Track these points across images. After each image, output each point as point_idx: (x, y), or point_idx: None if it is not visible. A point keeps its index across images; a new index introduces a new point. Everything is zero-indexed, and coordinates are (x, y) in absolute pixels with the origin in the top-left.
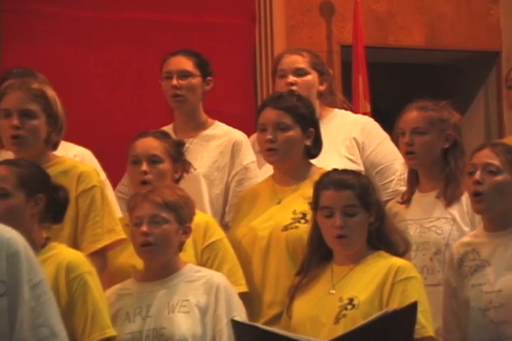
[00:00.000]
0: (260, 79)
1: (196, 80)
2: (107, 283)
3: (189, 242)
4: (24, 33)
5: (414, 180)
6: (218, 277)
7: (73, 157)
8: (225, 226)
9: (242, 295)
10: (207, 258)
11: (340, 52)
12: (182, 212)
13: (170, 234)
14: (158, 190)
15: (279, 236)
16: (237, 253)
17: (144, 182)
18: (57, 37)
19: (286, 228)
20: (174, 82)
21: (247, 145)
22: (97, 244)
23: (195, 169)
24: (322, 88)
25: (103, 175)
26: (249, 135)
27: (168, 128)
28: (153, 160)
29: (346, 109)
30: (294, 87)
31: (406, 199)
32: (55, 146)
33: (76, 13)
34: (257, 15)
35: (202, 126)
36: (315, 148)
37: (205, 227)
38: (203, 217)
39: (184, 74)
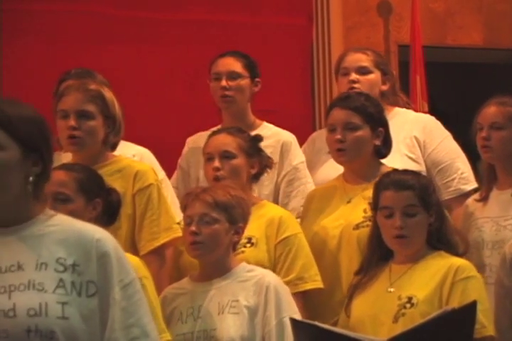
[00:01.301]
0: (318, 80)
1: (245, 81)
2: (166, 281)
3: (262, 237)
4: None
5: (491, 177)
6: (269, 277)
7: (132, 156)
8: None
9: (314, 293)
10: (280, 253)
11: (398, 52)
12: (234, 212)
13: (219, 233)
14: (210, 189)
15: (350, 235)
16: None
17: (217, 179)
18: (113, 37)
19: (357, 227)
20: (223, 83)
21: (295, 146)
22: (155, 242)
23: (275, 163)
24: (385, 88)
25: (162, 174)
26: (306, 135)
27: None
28: (226, 156)
29: (409, 108)
30: (356, 85)
31: (483, 197)
32: (113, 147)
33: (133, 14)
34: (315, 16)
35: (250, 127)
36: (385, 147)
37: (279, 222)
38: (278, 212)
39: (233, 76)
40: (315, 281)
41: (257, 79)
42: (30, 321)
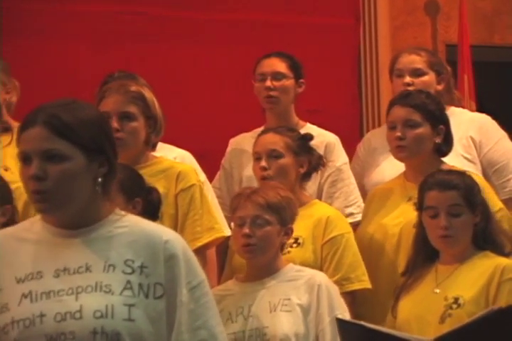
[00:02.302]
0: (365, 80)
1: (289, 82)
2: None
3: (308, 237)
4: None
5: None
6: (320, 276)
7: (173, 159)
8: None
9: (365, 292)
10: (327, 253)
11: (446, 51)
12: (284, 213)
13: (272, 235)
14: (261, 190)
15: (409, 233)
16: (368, 251)
17: (264, 178)
18: (160, 38)
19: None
20: (268, 83)
21: (339, 147)
22: (197, 242)
23: (327, 162)
24: (440, 88)
25: (203, 177)
26: (353, 135)
27: (260, 130)
28: (273, 155)
29: (464, 107)
30: (410, 88)
31: None
32: (154, 147)
33: (180, 14)
34: (362, 16)
35: (294, 128)
36: (445, 145)
37: (327, 222)
38: (326, 212)
39: (278, 76)
40: (362, 281)
41: (301, 80)
42: (97, 323)
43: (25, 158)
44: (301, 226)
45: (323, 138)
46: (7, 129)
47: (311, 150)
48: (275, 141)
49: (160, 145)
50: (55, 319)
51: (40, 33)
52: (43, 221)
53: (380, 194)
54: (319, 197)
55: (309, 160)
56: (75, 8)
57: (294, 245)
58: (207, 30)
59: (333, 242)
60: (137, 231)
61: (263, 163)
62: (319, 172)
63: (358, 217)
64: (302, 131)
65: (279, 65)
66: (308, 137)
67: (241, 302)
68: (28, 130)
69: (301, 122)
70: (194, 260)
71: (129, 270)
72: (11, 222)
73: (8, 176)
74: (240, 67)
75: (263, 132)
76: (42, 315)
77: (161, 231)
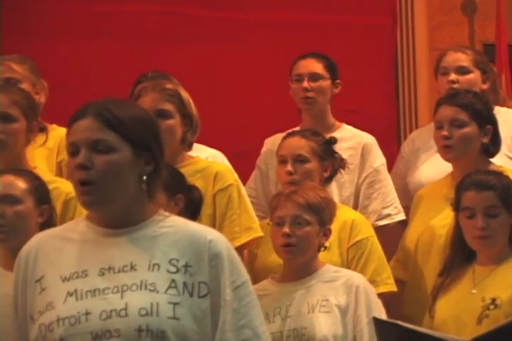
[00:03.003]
0: (402, 80)
1: (326, 83)
2: None
3: (335, 241)
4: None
5: None
6: (357, 277)
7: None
8: None
9: (412, 293)
10: (352, 257)
11: (483, 51)
12: (324, 214)
13: (311, 236)
14: (301, 190)
15: None
16: (415, 252)
17: (290, 183)
18: (198, 38)
19: None
20: (305, 84)
21: (376, 148)
22: (235, 242)
23: (348, 166)
24: (485, 87)
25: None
26: (390, 135)
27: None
28: (299, 159)
29: (510, 107)
30: (455, 85)
31: None
32: (190, 146)
33: (218, 14)
34: (399, 16)
35: (330, 129)
36: (493, 145)
37: (352, 226)
38: (351, 215)
39: (314, 77)
40: (387, 284)
41: (337, 81)
42: (142, 321)
43: (73, 150)
44: None
45: (360, 139)
46: (42, 129)
47: (334, 154)
48: (301, 145)
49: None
50: (101, 317)
51: (74, 33)
52: (87, 220)
53: (427, 195)
54: (356, 198)
55: (333, 164)
56: (110, 8)
57: (321, 249)
58: (243, 31)
59: (358, 246)
60: (181, 230)
61: (289, 168)
62: (357, 173)
63: (396, 218)
64: (339, 132)
65: (316, 66)
66: (333, 141)
67: (278, 302)
68: (78, 121)
69: (337, 123)
70: (238, 259)
71: (173, 269)
72: (49, 222)
73: (46, 176)
74: (275, 68)
75: (288, 135)
76: (87, 313)
77: (205, 231)
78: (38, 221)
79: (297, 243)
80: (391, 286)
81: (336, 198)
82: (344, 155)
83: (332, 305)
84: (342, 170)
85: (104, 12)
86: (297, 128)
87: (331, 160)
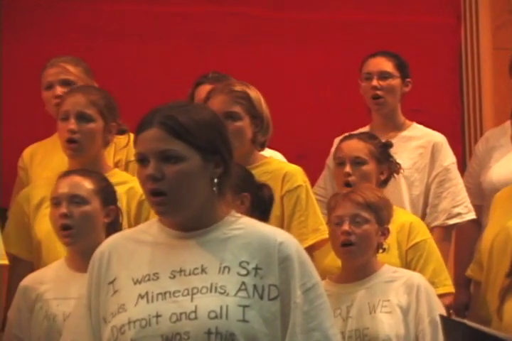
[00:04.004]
0: (466, 79)
1: (396, 81)
2: None
3: (393, 243)
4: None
5: None
6: (417, 277)
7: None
8: None
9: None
10: (411, 258)
11: None
12: (382, 213)
13: (370, 234)
14: (359, 190)
15: None
16: (490, 253)
17: (348, 184)
18: (261, 38)
19: None
20: (374, 82)
21: (446, 147)
22: (303, 243)
23: (403, 170)
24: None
25: None
26: (455, 135)
27: (365, 129)
28: (357, 162)
29: None
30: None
31: None
32: (262, 146)
33: (282, 15)
34: (463, 15)
35: (400, 127)
36: None
37: (410, 228)
38: (408, 218)
39: (384, 75)
40: (445, 286)
41: (407, 80)
42: (211, 323)
43: (142, 159)
44: None
45: (430, 137)
46: (123, 131)
47: (390, 158)
48: (359, 147)
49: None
50: (171, 319)
51: (138, 34)
52: (160, 223)
53: (506, 196)
54: (426, 197)
55: (389, 167)
56: (174, 9)
57: (380, 251)
58: (307, 31)
59: (417, 248)
60: (252, 233)
61: (347, 169)
62: (427, 171)
63: (466, 217)
64: (409, 131)
65: (386, 64)
66: (389, 144)
67: (338, 303)
68: (144, 131)
69: (408, 122)
70: (308, 262)
71: (243, 271)
72: (115, 222)
73: (123, 176)
74: (339, 67)
75: (345, 138)
76: (158, 316)
77: (275, 233)
78: (105, 221)
79: (357, 241)
80: (449, 287)
81: (405, 197)
82: (415, 154)
83: (394, 305)
84: (396, 175)
85: (167, 13)
86: (367, 128)
87: (387, 164)
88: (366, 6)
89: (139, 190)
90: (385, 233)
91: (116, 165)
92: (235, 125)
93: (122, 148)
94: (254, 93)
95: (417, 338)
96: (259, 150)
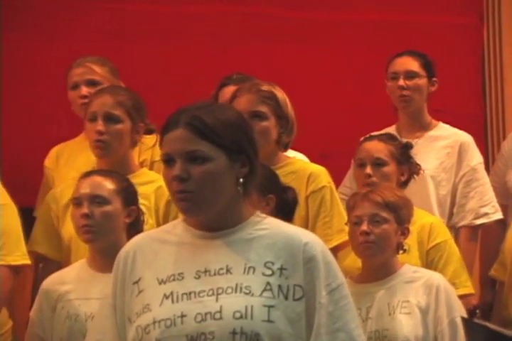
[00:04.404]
0: (489, 79)
1: (422, 81)
2: None
3: (414, 244)
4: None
5: None
6: (437, 277)
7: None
8: (452, 228)
9: None
10: (431, 259)
11: None
12: (401, 212)
13: (389, 234)
14: (378, 189)
15: None
16: None
17: (368, 185)
18: (282, 38)
19: None
20: (401, 82)
21: (473, 146)
22: (327, 244)
23: (423, 171)
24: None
25: None
26: (478, 135)
27: (391, 129)
28: (378, 163)
29: None
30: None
31: None
32: (286, 147)
33: (303, 15)
34: (485, 14)
35: (427, 127)
36: None
37: (430, 229)
38: (429, 219)
39: (410, 75)
40: (466, 287)
41: (434, 79)
42: (236, 323)
43: (168, 160)
44: None
45: (457, 137)
46: (151, 131)
47: (410, 159)
48: (380, 148)
49: None
50: (196, 319)
51: (159, 35)
52: (184, 223)
53: None
54: (453, 196)
55: (409, 168)
56: (193, 9)
57: (400, 252)
58: (327, 30)
59: (437, 248)
60: (277, 233)
61: (368, 170)
62: (454, 171)
63: (493, 217)
64: (435, 130)
65: (412, 64)
66: (409, 145)
67: (358, 303)
68: (170, 132)
69: (434, 121)
70: (333, 262)
71: (268, 272)
72: (136, 222)
73: (151, 176)
74: (361, 67)
75: (366, 139)
76: (183, 316)
77: (300, 233)
78: (126, 221)
79: (376, 241)
80: (470, 289)
81: (432, 197)
82: (442, 154)
83: (413, 306)
84: (416, 176)
85: (187, 13)
86: (393, 127)
87: (407, 165)
88: (388, 6)
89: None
90: (405, 232)
91: (142, 164)
92: (261, 125)
93: (150, 148)
94: (280, 94)
95: (436, 339)
96: (283, 151)
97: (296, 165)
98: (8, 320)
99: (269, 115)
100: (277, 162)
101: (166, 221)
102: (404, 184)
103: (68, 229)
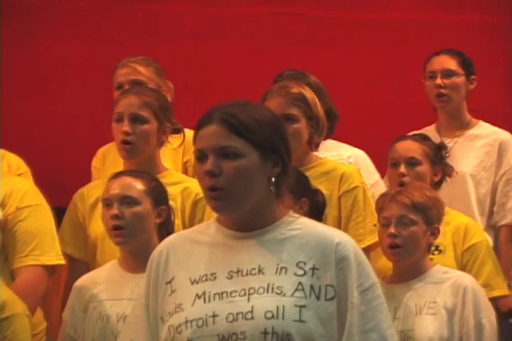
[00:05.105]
0: None
1: (460, 79)
2: None
3: (449, 245)
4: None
5: None
6: (466, 278)
7: (347, 158)
8: (492, 227)
9: None
10: (467, 260)
11: None
12: (430, 213)
13: (418, 235)
14: (406, 190)
15: None
16: None
17: (402, 185)
18: (319, 39)
19: None
20: (438, 81)
21: None
22: (360, 244)
23: (457, 173)
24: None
25: (376, 177)
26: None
27: (430, 128)
28: (412, 162)
29: None
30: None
31: None
32: (316, 147)
33: (337, 15)
34: None
35: (466, 126)
36: None
37: (465, 229)
38: (463, 219)
39: (448, 74)
40: (502, 288)
41: (472, 77)
42: (267, 323)
43: (200, 156)
44: (441, 234)
45: (497, 136)
46: (178, 130)
47: (444, 160)
48: (414, 148)
49: (334, 143)
50: (227, 319)
51: (195, 35)
52: (217, 223)
53: None
54: (493, 195)
55: (442, 169)
56: (229, 10)
57: (436, 252)
58: (361, 31)
59: (473, 249)
60: (309, 233)
61: (402, 170)
62: (493, 170)
63: None
64: (475, 129)
65: (450, 62)
66: (443, 146)
67: (387, 303)
68: (204, 128)
69: (474, 120)
70: (366, 262)
71: (300, 272)
72: (167, 222)
73: (177, 177)
74: (396, 67)
75: (399, 139)
76: (214, 315)
77: (332, 233)
78: (156, 222)
79: (403, 243)
80: (505, 290)
81: (472, 196)
82: (481, 152)
83: (439, 307)
84: (448, 178)
85: (222, 14)
86: (432, 127)
87: (441, 166)
88: (423, 5)
89: (194, 190)
90: (435, 233)
91: (185, 165)
92: (292, 127)
93: (176, 147)
94: (309, 94)
95: (461, 340)
96: (314, 151)
97: (328, 165)
98: (43, 321)
99: (300, 117)
100: (309, 162)
101: (191, 222)
102: (437, 185)
103: (94, 228)
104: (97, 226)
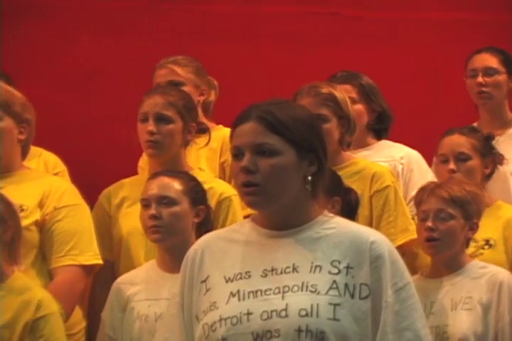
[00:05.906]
0: None
1: (502, 77)
2: None
3: (499, 239)
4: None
5: None
6: (502, 274)
7: (399, 159)
8: None
9: None
10: None
11: None
12: (469, 207)
13: (455, 229)
14: (446, 184)
15: None
16: None
17: None
18: (352, 38)
19: None
20: (479, 79)
21: None
22: (392, 243)
23: (508, 160)
24: None
25: (430, 176)
26: None
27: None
28: (461, 157)
29: None
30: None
31: None
32: (348, 146)
33: (374, 15)
34: None
35: (508, 124)
36: None
37: None
38: None
39: (489, 72)
40: None
41: None
42: (301, 321)
43: (237, 153)
44: (491, 228)
45: None
46: (204, 130)
47: (493, 150)
48: (462, 142)
49: (388, 143)
50: (262, 317)
51: (233, 35)
52: (252, 222)
53: None
54: None
55: (493, 160)
56: (267, 9)
57: (486, 247)
58: (398, 30)
59: None
60: (344, 232)
61: (451, 166)
62: None
63: None
64: None
65: (491, 60)
66: (491, 136)
67: (424, 298)
68: (241, 125)
69: None
70: (400, 261)
71: (335, 270)
72: (205, 222)
73: (202, 177)
74: (433, 66)
75: (447, 133)
76: (249, 313)
77: (367, 232)
78: (195, 221)
79: (441, 237)
80: None
81: None
82: None
83: (475, 302)
84: (500, 166)
85: (260, 13)
86: (475, 124)
87: (491, 157)
88: (456, 4)
89: (218, 190)
90: (474, 228)
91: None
92: (323, 127)
93: (203, 147)
94: (340, 94)
95: (497, 336)
96: (345, 151)
97: (360, 165)
98: (82, 320)
99: (331, 117)
100: (341, 162)
101: (215, 221)
102: (487, 177)
103: (120, 228)
104: (123, 226)
